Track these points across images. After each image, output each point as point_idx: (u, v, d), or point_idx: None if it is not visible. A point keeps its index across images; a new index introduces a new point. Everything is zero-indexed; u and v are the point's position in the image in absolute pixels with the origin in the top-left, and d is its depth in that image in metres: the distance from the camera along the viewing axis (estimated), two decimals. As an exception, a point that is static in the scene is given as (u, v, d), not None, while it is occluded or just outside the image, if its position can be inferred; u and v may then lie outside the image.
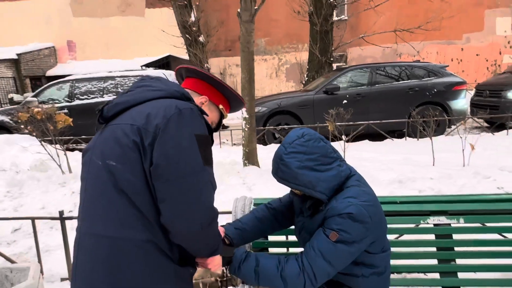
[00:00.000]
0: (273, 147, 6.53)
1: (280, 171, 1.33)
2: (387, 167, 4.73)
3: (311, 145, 1.32)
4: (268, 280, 1.30)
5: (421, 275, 2.00)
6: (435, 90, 7.00)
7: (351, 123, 6.35)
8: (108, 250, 1.00)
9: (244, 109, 4.32)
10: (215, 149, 6.50)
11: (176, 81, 1.39)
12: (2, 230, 3.67)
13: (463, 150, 4.57)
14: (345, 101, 6.94)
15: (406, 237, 1.94)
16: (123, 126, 1.05)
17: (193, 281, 1.64)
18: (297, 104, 7.18)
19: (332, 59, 11.83)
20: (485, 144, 5.50)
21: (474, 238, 1.84)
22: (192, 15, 13.50)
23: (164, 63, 14.69)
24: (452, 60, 15.91)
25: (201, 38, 13.90)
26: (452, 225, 1.82)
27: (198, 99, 1.28)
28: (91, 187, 1.06)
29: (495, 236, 1.94)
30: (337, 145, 5.27)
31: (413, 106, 6.83)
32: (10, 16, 17.46)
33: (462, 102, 7.15)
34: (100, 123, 1.16)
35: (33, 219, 2.70)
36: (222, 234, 1.45)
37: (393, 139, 6.69)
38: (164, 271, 1.04)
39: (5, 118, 7.38)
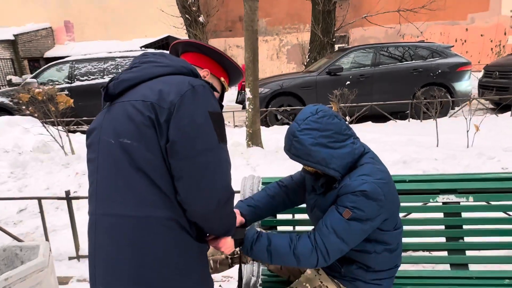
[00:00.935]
0: (276, 129, 6.51)
1: (293, 148, 1.31)
2: (391, 148, 4.71)
3: (325, 122, 1.29)
4: (281, 258, 1.30)
5: (429, 253, 2.01)
6: (439, 71, 6.92)
7: (354, 104, 6.32)
8: (132, 230, 0.98)
9: (247, 90, 4.27)
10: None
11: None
12: (8, 211, 3.69)
13: (467, 131, 4.55)
14: (348, 82, 6.87)
15: (414, 215, 1.94)
16: (133, 102, 1.01)
17: None
18: (299, 85, 7.11)
19: (334, 40, 11.66)
20: (490, 126, 5.48)
21: (482, 217, 1.84)
22: (192, -6, 13.22)
23: (163, 44, 14.48)
24: (456, 41, 15.69)
25: (201, 18, 13.65)
26: (461, 203, 1.82)
27: (200, 72, 1.24)
28: (103, 167, 1.02)
29: (500, 215, 1.95)
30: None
31: (417, 87, 6.76)
32: (6, -5, 17.11)
33: (466, 83, 7.08)
34: (106, 101, 1.12)
35: (39, 199, 2.70)
36: (238, 215, 1.44)
37: (396, 120, 6.65)
38: (188, 247, 1.04)
39: (6, 100, 7.32)
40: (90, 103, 6.89)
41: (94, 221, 1.05)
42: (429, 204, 1.85)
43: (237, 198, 2.10)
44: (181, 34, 14.68)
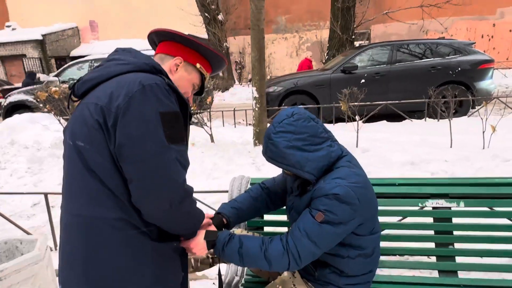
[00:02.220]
0: (288, 127, 6.48)
1: (268, 151, 1.31)
2: (402, 148, 4.61)
3: (300, 125, 1.28)
4: (252, 260, 1.30)
5: (418, 258, 1.96)
6: (460, 68, 6.67)
7: (368, 103, 6.21)
8: (84, 229, 1.02)
9: (254, 89, 4.28)
10: (229, 129, 6.50)
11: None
12: (23, 204, 3.87)
13: (483, 132, 4.38)
14: (363, 81, 6.75)
15: (405, 219, 1.89)
16: (89, 104, 1.03)
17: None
18: (313, 83, 7.04)
19: (353, 36, 11.47)
20: (510, 126, 5.24)
21: (475, 223, 1.78)
22: (211, -7, 13.34)
23: (183, 42, 14.64)
24: (482, 37, 15.07)
25: (220, 17, 13.75)
26: (452, 208, 1.77)
27: (172, 62, 1.22)
28: (67, 166, 1.07)
29: (502, 221, 1.87)
30: (351, 126, 5.18)
31: (435, 85, 6.55)
32: (35, -4, 17.82)
33: (488, 82, 6.80)
34: (73, 101, 1.14)
35: (45, 194, 2.82)
36: (208, 219, 1.44)
37: (412, 119, 6.48)
38: (140, 248, 1.05)
39: (29, 98, 7.64)
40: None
41: (61, 217, 1.11)
42: (419, 208, 1.80)
43: (225, 198, 2.13)
44: (201, 32, 14.82)
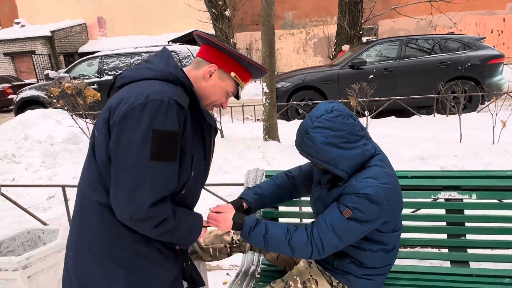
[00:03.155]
0: (296, 123, 6.51)
1: (304, 144, 1.30)
2: (411, 143, 4.62)
3: (339, 122, 1.27)
4: (276, 246, 1.34)
5: (429, 249, 2.00)
6: (469, 64, 6.64)
7: (376, 98, 6.22)
8: (79, 204, 1.15)
9: (264, 84, 4.32)
10: (238, 124, 6.53)
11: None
12: (39, 197, 3.97)
13: (493, 127, 4.38)
14: (371, 76, 6.75)
15: (417, 211, 1.93)
16: (111, 100, 1.10)
17: (204, 246, 1.71)
18: (321, 79, 7.06)
19: (361, 32, 11.41)
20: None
21: (487, 214, 1.81)
22: (218, -12, 13.33)
23: (190, 38, 14.72)
24: (492, 32, 14.90)
25: (227, 12, 13.75)
26: (464, 200, 1.80)
27: (207, 68, 1.21)
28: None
29: (505, 212, 1.89)
30: (360, 121, 5.20)
31: (444, 81, 6.53)
32: (44, -7, 17.97)
33: (498, 77, 6.76)
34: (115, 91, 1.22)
35: (63, 187, 2.90)
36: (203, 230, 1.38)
37: (421, 115, 6.48)
38: (118, 234, 1.11)
39: (40, 93, 7.76)
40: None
41: None
42: (431, 200, 1.84)
43: (237, 191, 2.18)
44: (208, 28, 14.85)
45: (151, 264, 1.17)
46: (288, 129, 5.80)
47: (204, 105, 1.22)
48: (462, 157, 3.88)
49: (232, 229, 1.39)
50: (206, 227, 1.38)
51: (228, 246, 1.71)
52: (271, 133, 4.59)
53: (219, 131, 5.21)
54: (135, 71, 1.16)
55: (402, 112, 6.66)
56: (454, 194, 1.80)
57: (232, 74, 1.23)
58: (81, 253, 1.14)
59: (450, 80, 6.63)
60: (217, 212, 1.42)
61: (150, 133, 1.01)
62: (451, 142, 4.56)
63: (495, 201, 1.82)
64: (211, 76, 1.21)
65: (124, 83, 1.16)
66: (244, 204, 1.54)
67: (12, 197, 3.14)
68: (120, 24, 17.86)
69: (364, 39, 15.01)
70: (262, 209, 1.89)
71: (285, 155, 4.22)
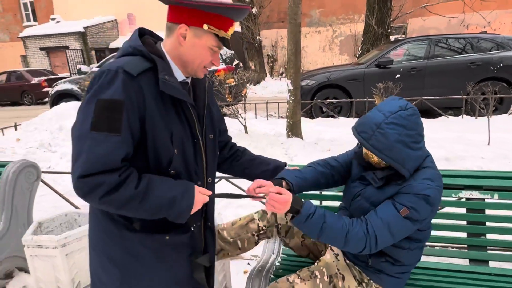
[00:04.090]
0: (319, 121, 6.53)
1: (375, 139, 1.26)
2: (438, 144, 4.56)
3: (413, 120, 1.26)
4: (331, 237, 1.29)
5: (450, 248, 2.01)
6: (502, 64, 6.43)
7: (408, 98, 6.13)
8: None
9: (289, 82, 4.38)
10: (262, 121, 6.60)
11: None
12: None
13: (524, 129, 4.26)
14: (398, 75, 6.65)
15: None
16: None
17: (231, 240, 1.66)
18: (346, 77, 7.02)
19: (389, 30, 11.21)
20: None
21: (509, 215, 1.81)
22: (246, -14, 13.45)
23: (217, 35, 14.88)
24: (529, 32, 14.26)
25: (253, 10, 13.85)
26: (486, 200, 1.81)
27: (177, 32, 1.09)
28: None
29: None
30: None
31: (474, 81, 6.36)
32: (78, -9, 18.66)
33: (532, 79, 6.51)
34: None
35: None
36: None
37: (449, 116, 6.34)
38: (111, 235, 1.12)
39: (74, 87, 8.12)
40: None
41: None
42: (453, 199, 1.86)
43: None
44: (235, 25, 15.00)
45: (144, 264, 1.14)
46: (312, 126, 5.83)
47: (192, 70, 1.16)
48: (489, 159, 3.81)
49: (289, 212, 1.29)
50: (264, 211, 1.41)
51: (255, 234, 1.67)
52: (294, 130, 4.64)
53: (243, 127, 5.31)
54: (117, 53, 1.18)
55: (429, 112, 6.54)
56: (476, 194, 1.81)
57: (205, 26, 1.07)
58: (89, 248, 1.22)
59: (480, 81, 6.45)
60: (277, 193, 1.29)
61: (94, 103, 0.99)
62: (478, 144, 4.47)
63: (517, 201, 1.81)
64: (185, 38, 1.10)
65: None
66: (285, 184, 1.44)
67: (49, 184, 3.35)
68: (149, 20, 18.23)
69: (392, 38, 14.75)
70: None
71: (308, 152, 4.27)
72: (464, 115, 6.35)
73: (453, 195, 1.84)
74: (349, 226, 1.28)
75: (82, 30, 17.00)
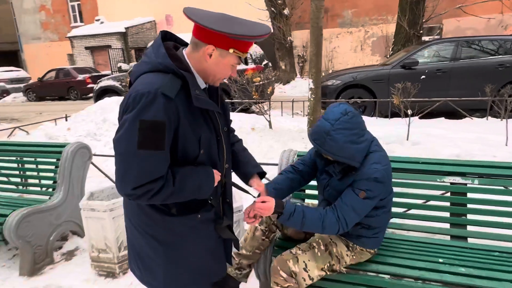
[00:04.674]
0: (343, 119, 6.75)
1: (327, 145, 1.54)
2: (454, 144, 4.70)
3: (354, 121, 1.55)
4: (310, 228, 1.61)
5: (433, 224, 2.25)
6: (531, 67, 6.37)
7: (426, 99, 6.27)
8: None
9: (310, 81, 4.69)
10: (287, 118, 6.93)
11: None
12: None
13: (542, 131, 4.32)
14: (423, 77, 6.75)
15: (425, 191, 2.22)
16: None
17: (251, 253, 1.92)
18: (372, 78, 7.19)
19: (421, 31, 11.13)
20: None
21: (487, 198, 2.06)
22: (279, -12, 13.77)
23: (249, 36, 15.29)
24: None
25: (285, 11, 14.15)
26: (468, 185, 2.07)
27: (205, 50, 1.20)
28: None
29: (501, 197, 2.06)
30: (406, 120, 5.32)
31: (502, 84, 6.34)
32: (121, -7, 19.78)
33: None
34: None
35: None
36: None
37: (472, 117, 6.37)
38: (150, 216, 1.28)
39: (116, 83, 8.85)
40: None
41: None
42: (438, 183, 2.13)
43: (274, 170, 2.61)
44: (266, 26, 15.35)
45: (183, 240, 1.31)
46: (334, 124, 6.09)
47: (212, 81, 1.29)
48: (501, 159, 3.94)
49: (274, 213, 1.57)
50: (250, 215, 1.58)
51: (264, 237, 1.94)
52: (314, 126, 4.94)
53: (268, 123, 5.68)
54: (137, 66, 1.25)
55: (453, 114, 6.59)
56: (458, 179, 2.08)
57: (231, 50, 1.19)
58: (130, 225, 1.36)
59: (508, 83, 6.41)
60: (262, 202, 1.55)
61: (137, 123, 1.10)
62: (496, 145, 4.56)
63: (500, 187, 2.05)
64: (211, 56, 1.20)
65: (135, 78, 1.24)
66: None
67: (96, 165, 3.89)
68: (186, 21, 18.74)
69: (427, 39, 14.52)
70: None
71: (326, 147, 4.56)
72: (490, 117, 6.35)
73: (437, 180, 2.11)
74: (323, 216, 1.59)
75: (124, 30, 18.04)
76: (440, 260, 1.80)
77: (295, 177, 1.90)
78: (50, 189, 3.04)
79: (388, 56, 12.04)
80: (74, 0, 21.38)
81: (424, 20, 10.95)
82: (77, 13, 21.56)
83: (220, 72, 1.26)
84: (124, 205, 1.39)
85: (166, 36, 1.33)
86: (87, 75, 15.36)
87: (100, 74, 15.87)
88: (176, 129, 1.17)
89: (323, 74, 14.53)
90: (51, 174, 3.07)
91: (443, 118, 6.49)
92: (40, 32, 22.37)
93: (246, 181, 1.59)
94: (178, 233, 1.30)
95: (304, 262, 1.67)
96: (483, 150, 4.32)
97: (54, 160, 3.05)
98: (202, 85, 1.29)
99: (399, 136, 5.04)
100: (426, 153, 4.33)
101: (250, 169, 1.57)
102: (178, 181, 1.19)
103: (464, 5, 10.96)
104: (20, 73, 18.44)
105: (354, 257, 1.78)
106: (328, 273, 1.74)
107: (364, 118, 5.78)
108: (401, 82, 6.21)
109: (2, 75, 17.42)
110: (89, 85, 15.01)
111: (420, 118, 6.34)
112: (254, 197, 1.61)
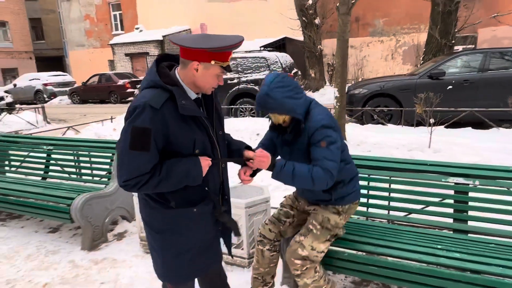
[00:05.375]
0: (369, 127, 6.98)
1: (268, 104, 1.78)
2: (476, 152, 4.85)
3: (286, 80, 1.80)
4: (301, 179, 1.75)
5: (437, 218, 2.52)
6: None
7: (452, 109, 6.40)
8: None
9: (335, 90, 5.01)
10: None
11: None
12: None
13: None
14: (450, 87, 6.87)
15: (432, 190, 2.50)
16: None
17: (267, 269, 2.20)
18: (399, 87, 7.36)
19: (453, 41, 11.11)
20: None
21: (487, 197, 2.32)
22: (310, -2, 14.12)
23: (280, 44, 15.74)
24: None
25: (316, 21, 14.47)
26: (470, 185, 2.34)
27: (191, 66, 1.42)
28: None
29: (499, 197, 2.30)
30: (426, 130, 5.49)
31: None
32: (158, 3, 20.84)
33: None
34: None
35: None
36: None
37: (500, 128, 6.42)
38: (153, 209, 1.53)
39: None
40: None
41: None
42: (443, 183, 2.41)
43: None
44: (297, 35, 15.73)
45: (179, 231, 1.53)
46: (359, 131, 6.35)
47: (203, 90, 1.51)
48: (520, 167, 4.07)
49: (268, 169, 1.75)
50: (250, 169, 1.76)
51: (273, 253, 2.19)
52: (339, 132, 5.24)
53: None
54: (142, 82, 1.53)
55: (481, 124, 6.65)
56: (461, 180, 2.36)
57: (212, 62, 1.42)
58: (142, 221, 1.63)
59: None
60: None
61: (130, 129, 1.36)
62: (518, 154, 4.67)
63: (498, 188, 2.30)
64: (197, 71, 1.43)
65: (140, 92, 1.52)
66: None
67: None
68: (219, 29, 19.71)
69: (460, 48, 14.34)
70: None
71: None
72: (518, 128, 6.37)
73: (442, 180, 2.40)
74: (312, 169, 1.75)
75: (161, 38, 19.02)
76: (439, 247, 2.09)
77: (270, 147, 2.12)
78: (105, 179, 3.55)
79: (418, 66, 12.06)
80: (116, 9, 22.75)
81: (456, 30, 10.92)
82: (118, 22, 22.91)
83: (208, 82, 1.47)
84: (139, 205, 1.65)
85: (168, 57, 1.59)
86: (127, 80, 16.36)
87: (138, 79, 16.83)
88: (166, 134, 1.39)
89: (353, 82, 14.69)
90: (106, 166, 3.58)
91: (470, 128, 6.58)
92: (84, 40, 23.93)
93: (239, 155, 1.78)
94: (175, 224, 1.52)
95: (309, 245, 1.95)
96: (503, 159, 4.46)
97: (110, 154, 3.55)
98: (193, 95, 1.50)
99: (421, 144, 5.24)
100: (445, 160, 4.51)
101: (239, 145, 1.80)
102: (165, 170, 1.41)
103: (499, 14, 10.84)
104: (66, 78, 19.84)
105: (346, 216, 2.06)
106: (332, 240, 2.04)
107: (390, 126, 6.07)
108: (427, 92, 6.38)
109: (50, 79, 18.85)
110: (128, 90, 15.99)
111: (446, 127, 6.46)
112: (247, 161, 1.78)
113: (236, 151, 1.75)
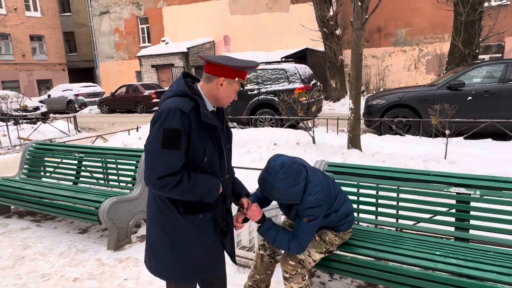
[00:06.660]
0: (386, 137, 7.03)
1: (274, 193, 1.98)
2: (493, 164, 4.83)
3: (290, 171, 1.95)
4: (279, 245, 2.07)
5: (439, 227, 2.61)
6: None
7: (471, 120, 6.37)
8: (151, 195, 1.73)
9: (350, 101, 5.15)
10: (331, 135, 7.36)
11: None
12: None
13: None
14: (469, 98, 6.84)
15: (434, 199, 2.61)
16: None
17: (264, 275, 2.33)
18: (417, 98, 7.37)
19: (477, 51, 10.95)
20: None
21: (488, 207, 2.40)
22: (331, 10, 14.31)
23: (301, 55, 15.93)
24: None
25: (337, 32, 14.63)
26: (471, 195, 2.44)
27: (218, 81, 1.60)
28: None
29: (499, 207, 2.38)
30: (443, 141, 5.50)
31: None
32: (184, 16, 21.60)
33: None
34: None
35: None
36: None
37: (521, 139, 6.31)
38: (165, 212, 1.63)
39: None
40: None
41: None
42: (446, 192, 2.51)
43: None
44: (318, 45, 15.91)
45: (186, 234, 1.63)
46: (376, 142, 6.42)
47: (222, 104, 1.69)
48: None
49: (257, 222, 2.01)
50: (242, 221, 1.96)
51: (272, 260, 2.36)
52: (353, 143, 5.36)
53: (311, 138, 6.17)
54: (164, 94, 1.68)
55: (502, 135, 6.56)
56: (463, 190, 2.46)
57: (236, 79, 1.62)
58: (148, 220, 1.71)
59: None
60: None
61: (161, 130, 1.49)
62: (536, 166, 4.63)
63: (494, 198, 2.38)
64: (222, 85, 1.61)
65: (162, 102, 1.65)
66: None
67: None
68: (242, 41, 20.21)
69: (486, 57, 14.07)
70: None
71: (363, 162, 4.96)
72: (541, 140, 6.25)
73: (445, 190, 2.50)
74: (290, 240, 2.03)
75: (186, 50, 19.65)
76: (437, 253, 2.20)
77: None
78: (130, 185, 3.84)
79: (441, 75, 11.93)
80: (143, 23, 23.71)
81: (480, 40, 10.78)
82: (145, 35, 23.84)
83: (228, 96, 1.66)
84: (147, 208, 1.75)
85: (188, 75, 1.76)
86: (153, 91, 16.98)
87: (163, 90, 17.43)
88: (189, 137, 1.54)
89: (374, 92, 14.64)
90: (132, 173, 3.87)
91: (490, 139, 6.51)
92: (113, 52, 25.04)
93: (238, 199, 1.96)
94: (182, 228, 1.63)
95: (307, 250, 2.14)
96: (521, 171, 4.44)
97: (134, 162, 3.84)
98: (210, 108, 1.68)
99: (437, 155, 5.27)
100: (459, 171, 4.53)
101: (241, 191, 1.97)
102: (193, 180, 1.55)
103: (525, 24, 10.62)
104: (96, 88, 20.80)
105: (340, 239, 2.29)
106: (325, 255, 2.24)
107: (408, 137, 6.12)
108: (446, 103, 6.39)
109: (81, 90, 19.83)
110: (154, 100, 16.59)
111: (465, 138, 6.43)
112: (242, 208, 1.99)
113: (237, 193, 1.94)
